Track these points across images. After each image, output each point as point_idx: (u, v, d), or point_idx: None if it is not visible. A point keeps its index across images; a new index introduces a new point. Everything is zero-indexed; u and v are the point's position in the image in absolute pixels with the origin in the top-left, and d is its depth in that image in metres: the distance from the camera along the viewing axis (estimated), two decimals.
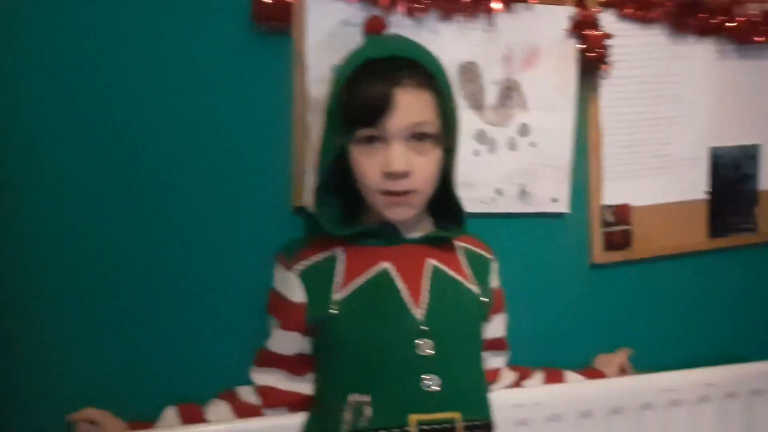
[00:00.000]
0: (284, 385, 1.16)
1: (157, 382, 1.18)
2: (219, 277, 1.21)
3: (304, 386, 1.17)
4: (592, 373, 1.38)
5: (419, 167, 1.06)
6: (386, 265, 1.11)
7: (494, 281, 1.23)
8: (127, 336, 1.18)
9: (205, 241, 1.20)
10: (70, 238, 1.14)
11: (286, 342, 1.14)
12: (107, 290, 1.16)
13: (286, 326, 1.13)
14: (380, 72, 1.03)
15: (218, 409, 1.15)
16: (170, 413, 1.14)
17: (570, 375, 1.36)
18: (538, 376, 1.34)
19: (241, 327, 1.21)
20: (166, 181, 1.18)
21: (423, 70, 1.05)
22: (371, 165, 1.06)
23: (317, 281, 1.11)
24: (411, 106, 1.04)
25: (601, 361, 1.42)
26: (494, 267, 1.23)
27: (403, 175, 1.05)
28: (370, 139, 1.06)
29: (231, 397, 1.17)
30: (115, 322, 1.17)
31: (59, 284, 1.14)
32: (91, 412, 1.11)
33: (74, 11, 1.11)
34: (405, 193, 1.07)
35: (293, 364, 1.15)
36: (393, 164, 1.04)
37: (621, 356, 1.41)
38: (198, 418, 1.14)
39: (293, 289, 1.12)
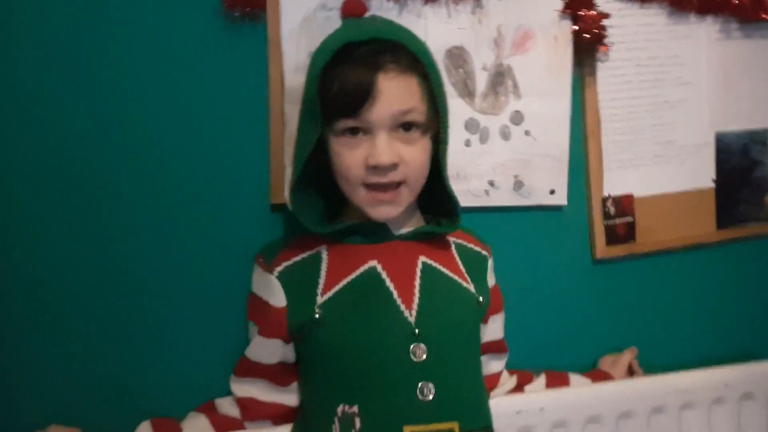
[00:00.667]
0: (266, 396, 1.08)
1: (130, 393, 1.11)
2: (193, 281, 1.13)
3: (288, 397, 1.09)
4: (598, 375, 1.31)
5: (408, 157, 0.99)
6: (374, 263, 1.03)
7: (491, 279, 1.16)
8: (98, 344, 1.10)
9: (177, 242, 1.12)
10: (38, 240, 1.07)
11: (267, 350, 1.06)
12: (75, 295, 1.09)
13: (266, 333, 1.05)
14: (360, 56, 0.95)
15: (196, 423, 1.08)
16: (144, 428, 1.06)
17: (575, 378, 1.29)
18: (540, 380, 1.27)
19: (220, 333, 1.13)
20: (131, 179, 1.10)
21: (407, 53, 0.97)
22: (354, 157, 0.98)
23: (299, 283, 1.03)
24: (395, 92, 0.96)
25: (607, 363, 1.34)
26: (491, 264, 1.15)
27: (391, 167, 0.98)
28: (353, 130, 0.98)
29: (210, 410, 1.10)
30: (84, 328, 1.09)
31: (24, 288, 1.07)
32: (56, 429, 1.03)
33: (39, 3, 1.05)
34: (391, 186, 0.99)
35: (275, 374, 1.07)
36: (379, 156, 0.96)
37: (628, 356, 1.34)
38: None
39: (273, 292, 1.04)
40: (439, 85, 1.01)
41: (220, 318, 1.14)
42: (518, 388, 1.24)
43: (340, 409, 0.98)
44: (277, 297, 1.03)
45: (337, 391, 1.00)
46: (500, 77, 1.24)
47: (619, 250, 1.36)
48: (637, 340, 1.37)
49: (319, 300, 1.01)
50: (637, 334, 1.38)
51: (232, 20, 1.12)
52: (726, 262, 1.45)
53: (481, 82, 1.24)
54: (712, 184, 1.42)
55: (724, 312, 1.46)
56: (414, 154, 0.99)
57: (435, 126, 1.02)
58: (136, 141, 1.10)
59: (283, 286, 1.03)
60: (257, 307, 1.07)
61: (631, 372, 1.34)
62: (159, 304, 1.12)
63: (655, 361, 1.35)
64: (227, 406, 1.09)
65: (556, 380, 1.27)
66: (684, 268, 1.42)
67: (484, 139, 1.25)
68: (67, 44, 1.06)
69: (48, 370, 1.08)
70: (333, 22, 1.13)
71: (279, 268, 1.04)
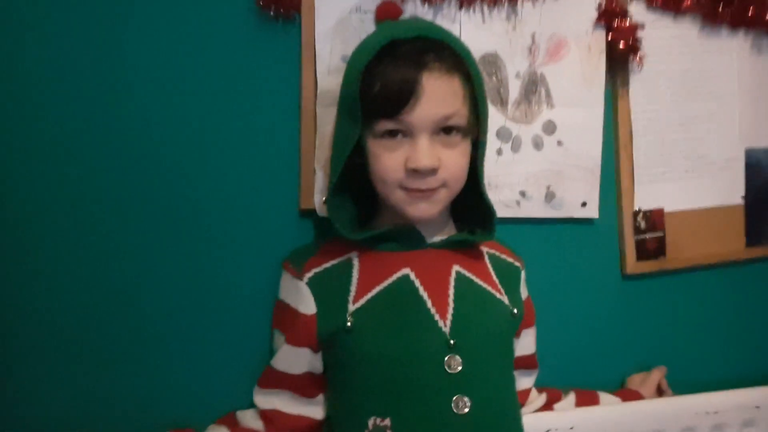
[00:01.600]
0: (292, 409, 1.04)
1: (151, 404, 1.07)
2: (219, 287, 1.09)
3: (315, 409, 1.05)
4: (627, 394, 1.27)
5: (448, 160, 0.95)
6: (407, 271, 1.00)
7: (524, 292, 1.12)
8: (118, 352, 1.06)
9: (204, 247, 1.09)
10: (61, 246, 1.03)
11: (294, 359, 1.01)
12: (97, 301, 1.04)
13: (294, 341, 1.01)
14: (404, 54, 0.92)
15: None
16: None
17: (604, 397, 1.25)
18: (570, 399, 1.23)
19: (245, 342, 1.10)
20: (161, 180, 1.07)
21: (451, 53, 0.95)
22: (393, 159, 0.95)
23: (330, 290, 0.99)
24: (439, 93, 0.93)
25: (636, 381, 1.30)
26: (524, 276, 1.12)
27: (430, 172, 0.94)
28: (393, 132, 0.94)
29: (231, 422, 1.05)
30: (105, 336, 1.05)
31: (43, 290, 1.03)
32: None
33: (77, 2, 1.02)
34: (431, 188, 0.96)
35: (302, 385, 1.03)
36: (420, 160, 0.93)
37: (657, 375, 1.30)
38: None
39: (302, 299, 1.00)
40: (482, 87, 0.98)
41: (245, 326, 1.10)
42: (547, 405, 1.20)
43: (371, 422, 0.94)
44: (306, 304, 1.00)
45: (368, 402, 0.96)
46: (533, 85, 1.22)
47: (649, 266, 1.33)
48: (666, 358, 1.34)
49: (351, 308, 0.97)
50: (666, 352, 1.35)
51: (266, 19, 1.09)
52: (756, 280, 1.42)
53: (514, 89, 1.21)
54: (742, 201, 1.40)
55: (755, 331, 1.42)
56: (454, 158, 0.96)
57: (475, 130, 0.99)
58: (165, 142, 1.07)
59: (313, 293, 1.00)
60: (285, 314, 1.03)
61: (660, 391, 1.30)
62: (182, 311, 1.08)
63: (684, 380, 1.32)
64: (250, 419, 1.05)
65: (586, 399, 1.23)
66: (714, 286, 1.39)
67: (516, 148, 1.22)
68: (99, 40, 1.03)
69: (68, 379, 1.04)
70: (367, 25, 1.11)
71: (309, 275, 1.00)
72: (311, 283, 1.00)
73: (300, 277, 1.00)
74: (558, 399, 1.22)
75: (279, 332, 1.04)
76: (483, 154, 1.01)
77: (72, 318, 1.04)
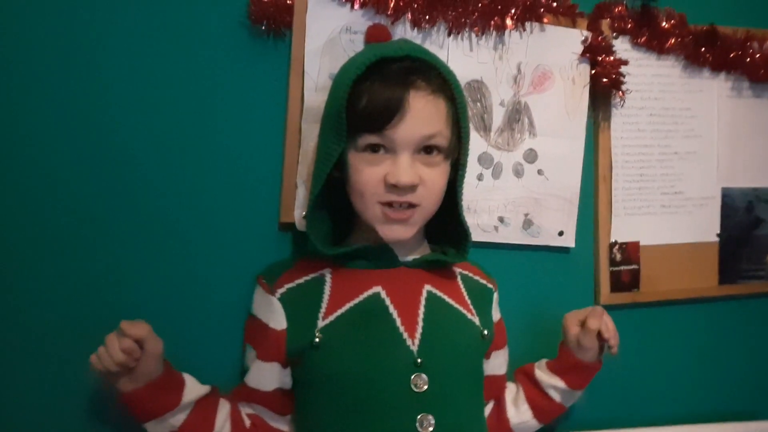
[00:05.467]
0: (269, 422, 1.05)
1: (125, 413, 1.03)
2: (196, 298, 1.10)
3: (287, 428, 1.06)
4: (562, 363, 1.17)
5: (427, 180, 0.97)
6: (378, 289, 1.01)
7: (496, 314, 1.14)
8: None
9: (182, 259, 1.09)
10: (37, 249, 1.03)
11: (265, 375, 1.02)
12: (70, 308, 1.04)
13: (264, 357, 1.01)
14: (392, 73, 0.94)
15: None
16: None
17: (539, 371, 1.17)
18: (519, 393, 1.18)
19: (220, 356, 1.09)
20: (142, 188, 1.07)
21: (437, 75, 0.97)
22: (374, 173, 0.96)
23: (300, 306, 1.00)
24: (424, 112, 0.95)
25: (573, 330, 1.13)
26: (496, 297, 1.13)
27: (410, 188, 0.96)
28: (375, 147, 0.96)
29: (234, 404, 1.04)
30: (78, 343, 1.00)
31: (15, 299, 1.02)
32: (125, 324, 0.93)
33: (67, 10, 1.03)
34: (407, 207, 0.97)
35: (274, 401, 1.04)
36: (400, 176, 0.94)
37: (594, 325, 1.10)
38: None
39: (274, 314, 1.00)
40: (465, 110, 1.00)
41: (222, 338, 1.10)
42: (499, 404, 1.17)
43: None
44: (277, 319, 1.00)
45: (333, 419, 0.97)
46: (517, 114, 1.24)
47: (622, 298, 1.34)
48: (637, 390, 1.36)
49: (320, 324, 0.98)
50: (636, 384, 1.36)
51: (257, 34, 1.11)
52: (727, 317, 1.44)
53: (497, 117, 1.23)
54: (716, 239, 1.42)
55: (723, 368, 1.44)
56: (434, 176, 0.98)
57: (456, 152, 1.01)
58: (148, 149, 1.07)
59: (285, 309, 1.00)
60: (256, 329, 1.03)
61: (600, 338, 1.12)
62: (159, 322, 1.04)
63: (653, 413, 1.33)
64: (246, 409, 1.05)
65: (531, 387, 1.17)
66: (686, 321, 1.41)
67: (497, 174, 1.24)
68: (89, 49, 1.05)
69: (44, 383, 1.04)
70: (356, 45, 1.13)
71: (281, 290, 1.01)
72: (283, 299, 1.00)
73: (272, 292, 1.01)
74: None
75: (250, 347, 1.04)
76: (463, 177, 1.03)
77: (48, 325, 1.03)
